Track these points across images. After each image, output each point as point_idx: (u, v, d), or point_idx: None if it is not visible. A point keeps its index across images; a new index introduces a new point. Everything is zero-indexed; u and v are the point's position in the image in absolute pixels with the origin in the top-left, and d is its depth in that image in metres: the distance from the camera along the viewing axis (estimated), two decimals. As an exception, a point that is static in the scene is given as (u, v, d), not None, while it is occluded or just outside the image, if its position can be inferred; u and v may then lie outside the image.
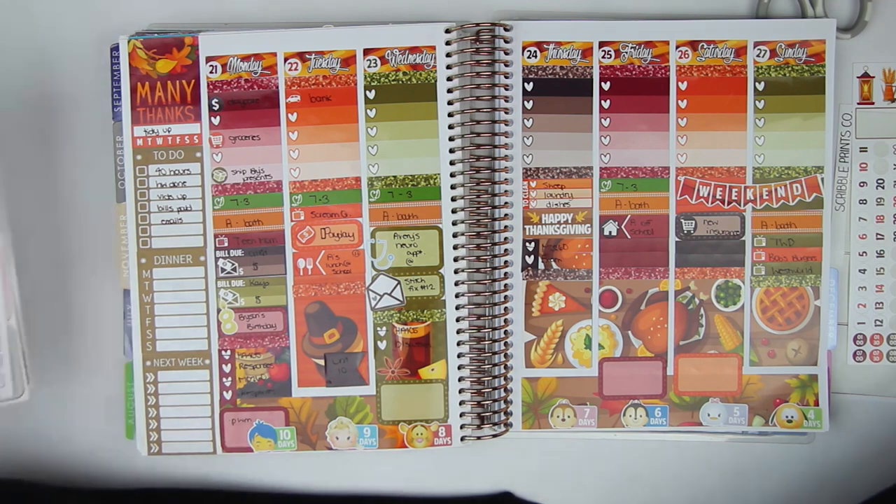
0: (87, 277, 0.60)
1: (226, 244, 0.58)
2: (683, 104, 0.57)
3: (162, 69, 0.57)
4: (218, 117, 0.57)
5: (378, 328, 0.58)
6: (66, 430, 0.60)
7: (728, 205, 0.58)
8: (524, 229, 0.58)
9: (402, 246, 0.57)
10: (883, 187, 0.59)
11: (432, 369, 0.58)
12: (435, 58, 0.57)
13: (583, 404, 0.59)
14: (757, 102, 0.57)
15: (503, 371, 0.58)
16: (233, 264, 0.58)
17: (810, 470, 0.60)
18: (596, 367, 0.59)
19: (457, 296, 0.57)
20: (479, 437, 0.58)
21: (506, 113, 0.57)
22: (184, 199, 0.58)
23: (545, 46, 0.57)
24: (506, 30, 0.57)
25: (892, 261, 0.59)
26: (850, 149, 0.59)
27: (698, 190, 0.58)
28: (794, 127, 0.57)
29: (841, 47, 0.58)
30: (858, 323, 0.60)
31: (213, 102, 0.57)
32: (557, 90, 0.57)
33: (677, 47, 0.57)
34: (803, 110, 0.57)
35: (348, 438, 0.58)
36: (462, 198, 0.57)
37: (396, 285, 0.57)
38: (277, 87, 0.57)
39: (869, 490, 0.60)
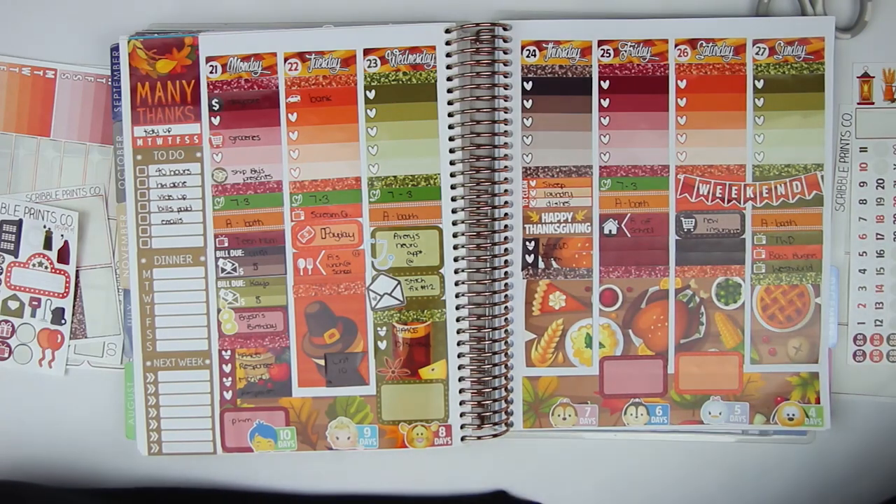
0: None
1: (226, 244, 0.58)
2: (683, 102, 0.57)
3: (162, 69, 0.57)
4: (218, 117, 0.57)
5: (378, 328, 0.58)
6: (67, 430, 0.60)
7: (728, 203, 0.58)
8: (524, 228, 0.58)
9: (402, 246, 0.57)
10: (883, 187, 0.59)
11: (432, 369, 0.58)
12: (435, 58, 0.57)
13: (584, 403, 0.58)
14: (756, 100, 0.57)
15: (504, 370, 0.58)
16: (233, 264, 0.58)
17: (810, 469, 0.60)
18: (597, 366, 0.58)
19: (457, 296, 0.57)
20: (479, 437, 0.58)
21: (505, 112, 0.57)
22: (184, 199, 0.57)
23: (544, 45, 0.57)
24: (505, 29, 0.57)
25: (892, 261, 0.59)
26: (849, 149, 0.59)
27: (698, 188, 0.58)
28: (793, 124, 0.58)
29: (841, 47, 0.58)
30: (858, 323, 0.60)
31: (214, 102, 0.57)
32: (557, 89, 0.57)
33: (676, 45, 0.57)
34: (803, 108, 0.57)
35: (348, 438, 0.58)
36: (462, 198, 0.57)
37: (396, 285, 0.57)
38: (277, 87, 0.57)
39: (868, 489, 0.60)
